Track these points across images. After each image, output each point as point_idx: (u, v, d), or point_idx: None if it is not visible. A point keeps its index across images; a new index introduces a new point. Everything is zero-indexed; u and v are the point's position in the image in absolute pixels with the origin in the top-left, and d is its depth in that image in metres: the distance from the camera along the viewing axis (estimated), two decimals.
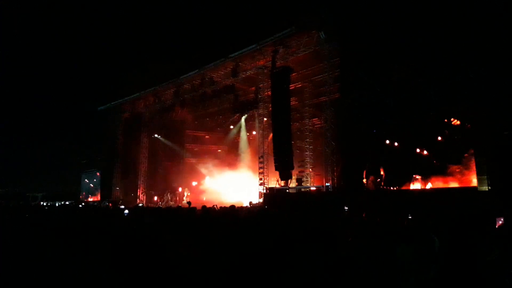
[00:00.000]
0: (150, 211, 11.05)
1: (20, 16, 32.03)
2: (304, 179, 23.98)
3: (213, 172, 29.84)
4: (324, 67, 19.43)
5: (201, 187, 30.44)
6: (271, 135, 21.25)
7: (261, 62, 22.22)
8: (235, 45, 22.07)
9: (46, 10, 32.24)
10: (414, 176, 17.60)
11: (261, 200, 20.71)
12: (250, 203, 20.54)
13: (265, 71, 22.18)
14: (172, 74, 26.57)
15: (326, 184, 19.13)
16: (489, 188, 12.63)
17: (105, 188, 34.01)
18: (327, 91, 19.28)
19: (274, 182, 21.59)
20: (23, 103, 37.44)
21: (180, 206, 16.39)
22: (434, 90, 14.56)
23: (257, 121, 25.78)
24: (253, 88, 24.72)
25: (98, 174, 36.97)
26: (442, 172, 16.44)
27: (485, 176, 12.94)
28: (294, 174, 21.58)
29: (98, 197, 35.00)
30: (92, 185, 38.80)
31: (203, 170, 30.02)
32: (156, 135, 31.88)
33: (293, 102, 23.32)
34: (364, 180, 18.34)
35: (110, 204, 27.53)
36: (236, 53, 22.01)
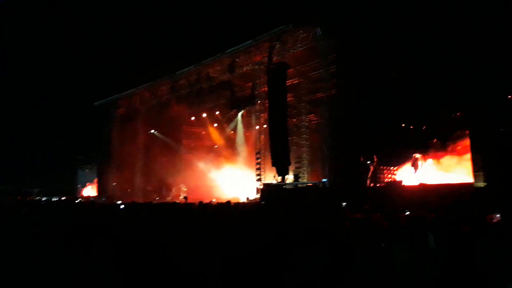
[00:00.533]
0: (146, 206, 11.03)
1: (15, 13, 31.75)
2: (301, 175, 24.02)
3: (210, 168, 29.79)
4: (321, 63, 19.38)
5: (198, 182, 30.39)
6: (267, 131, 21.23)
7: (258, 58, 22.16)
8: (232, 41, 22.02)
9: (42, 6, 31.98)
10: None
11: (258, 195, 20.74)
12: (247, 198, 20.58)
13: (262, 67, 22.13)
14: (168, 69, 26.47)
15: (323, 180, 19.16)
16: (485, 184, 12.69)
17: (102, 184, 33.94)
18: (324, 87, 19.28)
19: (271, 178, 21.61)
20: (18, 99, 37.17)
21: (177, 202, 16.38)
22: (431, 87, 14.58)
23: (253, 117, 25.75)
24: (250, 84, 24.66)
25: (94, 169, 36.82)
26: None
27: (481, 173, 13.00)
28: (291, 170, 21.61)
29: (95, 193, 34.91)
30: (88, 181, 38.65)
31: (199, 165, 29.96)
32: (152, 131, 31.78)
33: (289, 98, 23.29)
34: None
35: (106, 200, 27.46)
36: (232, 49, 21.94)
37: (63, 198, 31.05)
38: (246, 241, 4.40)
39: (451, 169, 16.38)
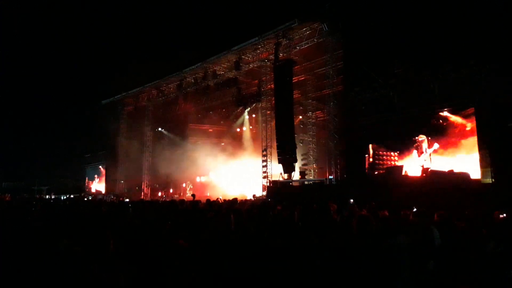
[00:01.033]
0: (153, 204, 11.11)
1: (23, 10, 32.02)
2: (307, 172, 24.01)
3: (217, 165, 29.88)
4: (327, 60, 19.32)
5: (205, 180, 30.53)
6: (274, 128, 21.24)
7: (264, 55, 22.18)
8: (238, 38, 22.03)
9: (49, 3, 32.20)
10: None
11: (264, 193, 20.78)
12: (254, 196, 20.62)
13: (268, 64, 22.14)
14: (175, 67, 26.57)
15: (330, 177, 19.15)
16: (493, 180, 12.59)
17: (109, 182, 34.22)
18: (330, 84, 19.23)
19: (278, 175, 21.63)
20: (27, 98, 37.54)
21: (184, 200, 16.46)
22: (438, 83, 14.47)
23: (260, 114, 25.78)
24: (256, 81, 24.70)
25: (102, 167, 37.12)
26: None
27: (489, 169, 12.89)
28: (297, 167, 21.61)
29: (103, 191, 35.20)
30: (96, 179, 38.96)
31: (206, 163, 30.06)
32: (159, 129, 31.93)
33: (296, 95, 23.27)
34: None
35: (114, 198, 27.70)
36: (238, 46, 21.95)
37: (71, 196, 31.40)
38: (250, 238, 4.44)
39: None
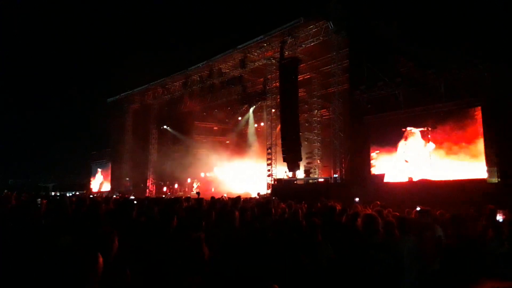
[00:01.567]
0: (158, 201, 11.14)
1: (30, 7, 32.21)
2: (312, 170, 23.96)
3: (222, 163, 29.93)
4: (333, 58, 19.26)
5: (210, 178, 30.59)
6: (279, 126, 21.22)
7: (269, 53, 22.15)
8: (243, 36, 22.03)
9: (56, 0, 32.38)
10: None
11: (269, 191, 20.78)
12: (258, 194, 20.62)
13: (273, 62, 22.11)
14: (180, 65, 26.65)
15: (334, 175, 19.12)
16: (499, 180, 12.53)
17: (115, 179, 34.38)
18: (336, 82, 19.18)
19: (282, 173, 21.62)
20: (33, 95, 37.81)
21: (189, 197, 16.49)
22: (443, 81, 14.40)
23: (265, 112, 25.78)
24: (261, 79, 24.68)
25: (107, 165, 37.27)
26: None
27: (495, 168, 12.84)
28: (302, 165, 21.58)
29: (108, 188, 35.37)
30: (102, 176, 39.16)
31: (211, 161, 30.12)
32: (165, 126, 32.04)
33: (301, 93, 23.22)
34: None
35: (119, 195, 27.80)
36: (244, 44, 21.95)
37: (77, 193, 31.58)
38: (252, 234, 4.45)
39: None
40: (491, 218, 5.43)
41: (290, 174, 20.65)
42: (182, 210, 7.27)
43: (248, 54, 22.91)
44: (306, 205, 8.78)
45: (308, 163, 24.07)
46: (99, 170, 38.79)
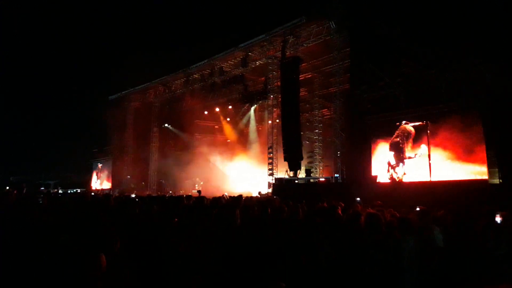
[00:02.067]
0: (160, 200, 11.16)
1: (32, 6, 32.23)
2: (313, 170, 23.98)
3: (223, 162, 29.94)
4: (334, 58, 19.24)
5: (210, 176, 30.59)
6: (280, 125, 21.23)
7: (271, 52, 22.14)
8: (245, 35, 22.05)
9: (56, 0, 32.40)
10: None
11: (270, 190, 20.80)
12: (259, 193, 20.65)
13: (275, 61, 22.11)
14: (181, 63, 26.66)
15: (335, 175, 19.12)
16: (500, 181, 12.51)
17: (116, 177, 34.42)
18: (337, 82, 19.17)
19: (283, 172, 21.63)
20: (34, 92, 37.87)
21: (191, 195, 16.51)
22: (445, 82, 14.37)
23: (266, 111, 25.76)
24: (263, 78, 24.66)
25: (108, 163, 37.30)
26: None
27: (496, 169, 12.81)
28: (303, 165, 21.59)
29: (109, 186, 35.40)
30: (103, 174, 39.21)
31: (212, 160, 30.13)
32: (166, 125, 32.04)
33: (302, 92, 23.23)
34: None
35: (120, 193, 27.82)
36: (245, 43, 21.96)
37: (78, 191, 31.62)
38: (253, 233, 4.46)
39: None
40: (489, 220, 5.43)
41: (291, 174, 20.66)
42: (184, 209, 7.29)
43: (250, 53, 22.92)
44: (306, 205, 8.79)
45: (309, 162, 24.09)
46: (100, 167, 38.85)
